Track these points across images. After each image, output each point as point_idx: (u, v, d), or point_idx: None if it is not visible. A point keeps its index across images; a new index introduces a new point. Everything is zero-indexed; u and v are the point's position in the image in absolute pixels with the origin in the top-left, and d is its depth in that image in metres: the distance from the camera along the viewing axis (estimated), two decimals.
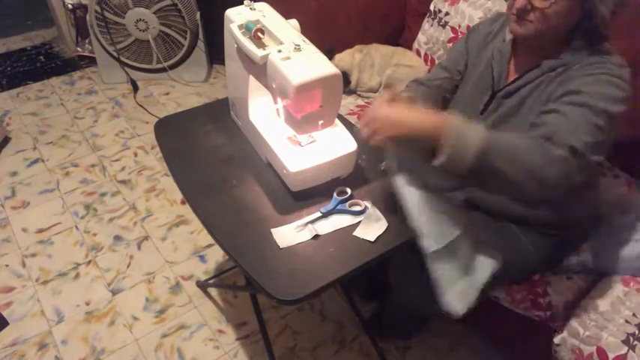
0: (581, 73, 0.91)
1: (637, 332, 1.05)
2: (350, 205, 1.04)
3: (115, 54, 2.53)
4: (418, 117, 0.87)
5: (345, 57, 1.86)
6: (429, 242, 0.91)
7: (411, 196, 0.92)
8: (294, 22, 1.13)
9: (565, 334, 1.10)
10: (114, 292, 1.66)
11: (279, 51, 0.93)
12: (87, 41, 2.78)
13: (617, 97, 0.88)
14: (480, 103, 1.11)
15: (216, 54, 2.75)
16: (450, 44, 1.78)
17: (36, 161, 2.17)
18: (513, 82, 1.04)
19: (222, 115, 1.28)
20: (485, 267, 0.98)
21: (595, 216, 1.24)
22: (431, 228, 0.92)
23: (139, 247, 1.81)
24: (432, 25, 1.87)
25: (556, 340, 1.12)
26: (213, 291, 1.68)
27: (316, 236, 0.97)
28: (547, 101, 0.95)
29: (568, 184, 0.86)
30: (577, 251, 1.21)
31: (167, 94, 2.60)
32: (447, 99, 1.24)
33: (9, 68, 2.78)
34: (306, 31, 1.03)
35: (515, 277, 1.21)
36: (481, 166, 0.84)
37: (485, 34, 1.15)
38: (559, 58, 0.96)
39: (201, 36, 2.54)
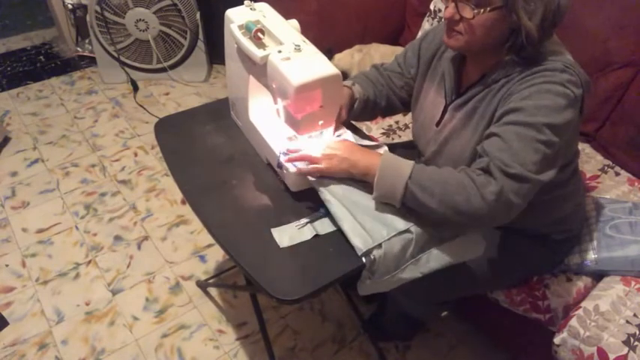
0: (521, 87, 0.89)
1: (637, 333, 1.05)
2: None
3: (115, 54, 2.53)
4: (361, 156, 0.97)
5: (345, 57, 1.86)
6: (364, 240, 0.91)
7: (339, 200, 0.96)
8: (294, 22, 1.13)
9: (565, 334, 1.10)
10: (114, 292, 1.66)
11: (279, 51, 0.92)
12: (87, 41, 2.78)
13: (559, 105, 0.86)
14: (436, 115, 1.10)
15: (216, 54, 2.75)
16: None
17: (36, 161, 2.16)
18: (462, 94, 1.02)
19: (222, 115, 1.28)
20: (434, 259, 0.97)
21: (583, 218, 1.24)
22: (372, 224, 0.93)
23: (139, 247, 1.81)
24: (432, 25, 1.87)
25: (556, 340, 1.12)
26: (213, 291, 1.68)
27: (316, 236, 0.97)
28: (492, 117, 0.94)
29: (508, 215, 0.87)
30: (579, 252, 1.21)
31: (167, 94, 2.60)
32: (399, 96, 1.21)
33: (9, 68, 2.77)
34: (306, 31, 1.03)
35: (513, 281, 1.21)
36: (412, 202, 0.91)
37: (439, 42, 1.11)
38: (501, 70, 0.94)
39: (201, 36, 2.54)
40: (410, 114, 1.32)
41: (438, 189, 0.88)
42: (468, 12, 0.87)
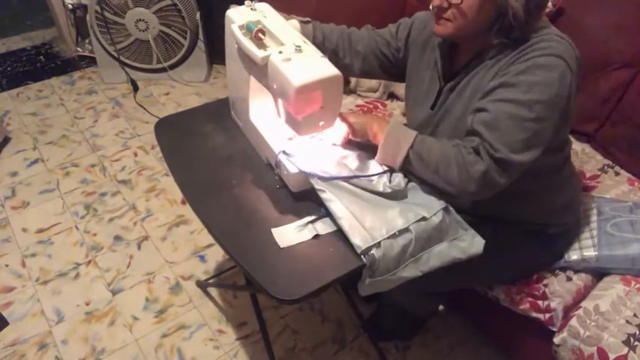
0: (517, 60, 0.92)
1: (637, 333, 1.05)
2: None
3: (115, 54, 2.53)
4: (370, 124, 1.06)
5: None
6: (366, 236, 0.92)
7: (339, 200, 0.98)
8: (294, 22, 1.13)
9: (565, 334, 1.10)
10: (114, 292, 1.66)
11: (280, 52, 0.92)
12: (87, 41, 2.78)
13: (553, 79, 0.88)
14: (430, 99, 1.12)
15: (216, 54, 2.75)
16: None
17: (36, 161, 2.16)
18: (455, 75, 1.05)
19: (222, 115, 1.28)
20: (435, 257, 0.98)
21: (578, 213, 1.24)
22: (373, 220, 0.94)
23: (139, 247, 1.81)
24: None
25: (556, 340, 1.12)
26: (213, 291, 1.68)
27: (316, 236, 0.97)
28: (484, 90, 0.96)
29: (493, 190, 0.95)
30: (579, 249, 1.21)
31: (167, 94, 2.60)
32: (379, 59, 1.22)
33: (9, 68, 2.77)
34: None
35: (509, 276, 1.21)
36: (409, 169, 1.00)
37: (431, 32, 1.11)
38: (493, 50, 0.96)
39: (201, 36, 2.54)
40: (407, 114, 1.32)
41: (434, 162, 0.95)
42: None
